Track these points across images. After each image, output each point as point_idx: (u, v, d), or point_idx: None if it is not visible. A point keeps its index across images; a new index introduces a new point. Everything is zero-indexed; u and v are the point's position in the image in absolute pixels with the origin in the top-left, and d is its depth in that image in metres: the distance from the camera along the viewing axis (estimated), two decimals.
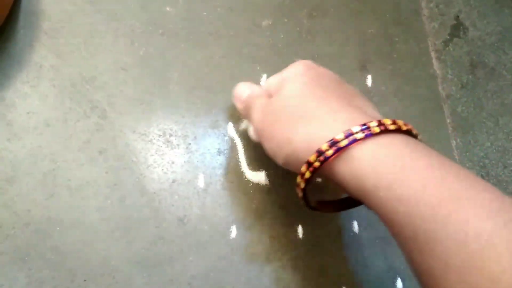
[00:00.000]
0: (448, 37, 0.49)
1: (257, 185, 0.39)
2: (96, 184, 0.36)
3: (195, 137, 0.39)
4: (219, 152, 0.39)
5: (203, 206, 0.37)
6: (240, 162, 0.39)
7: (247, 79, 0.41)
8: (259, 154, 0.40)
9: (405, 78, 0.45)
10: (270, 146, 0.28)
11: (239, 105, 0.34)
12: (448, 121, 0.46)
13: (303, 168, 0.25)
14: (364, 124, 0.23)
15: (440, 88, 0.47)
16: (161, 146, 0.38)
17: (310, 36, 0.44)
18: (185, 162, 0.38)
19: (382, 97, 0.44)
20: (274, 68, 0.42)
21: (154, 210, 0.36)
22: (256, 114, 0.30)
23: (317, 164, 0.24)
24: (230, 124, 0.40)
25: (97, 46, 0.39)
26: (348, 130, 0.23)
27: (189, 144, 0.39)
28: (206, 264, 0.36)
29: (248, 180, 0.39)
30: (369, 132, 0.23)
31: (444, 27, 0.49)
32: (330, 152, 0.23)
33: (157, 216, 0.36)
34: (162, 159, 0.38)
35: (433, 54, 0.48)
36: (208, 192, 0.38)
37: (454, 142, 0.46)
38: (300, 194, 0.28)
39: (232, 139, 0.40)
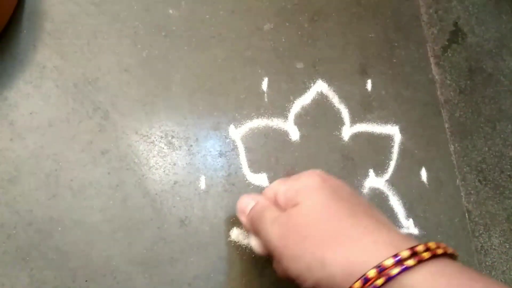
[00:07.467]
0: (447, 43, 0.50)
1: (258, 187, 0.39)
2: (99, 184, 0.36)
3: (197, 139, 0.39)
4: (221, 154, 0.39)
5: (204, 208, 0.38)
6: (241, 164, 0.40)
7: (249, 81, 0.42)
8: (260, 157, 0.40)
9: (404, 82, 0.46)
10: (296, 267, 0.24)
11: (244, 219, 0.31)
12: (446, 126, 0.47)
13: None
14: (412, 249, 0.21)
15: (438, 93, 0.48)
16: (163, 148, 0.38)
17: (311, 40, 0.45)
18: (187, 164, 0.38)
19: (381, 101, 0.45)
20: (276, 71, 0.43)
21: (156, 211, 0.37)
22: (271, 229, 0.27)
23: None
24: (232, 127, 0.40)
25: (100, 47, 0.39)
26: (397, 255, 0.21)
27: (191, 146, 0.39)
28: (207, 265, 0.36)
29: (249, 182, 0.39)
30: (418, 258, 0.21)
31: (443, 33, 0.50)
32: (380, 281, 0.21)
33: (159, 217, 0.37)
34: (164, 160, 0.38)
35: (432, 60, 0.48)
36: (210, 194, 0.38)
37: (452, 147, 0.46)
38: None
39: (233, 141, 0.40)
